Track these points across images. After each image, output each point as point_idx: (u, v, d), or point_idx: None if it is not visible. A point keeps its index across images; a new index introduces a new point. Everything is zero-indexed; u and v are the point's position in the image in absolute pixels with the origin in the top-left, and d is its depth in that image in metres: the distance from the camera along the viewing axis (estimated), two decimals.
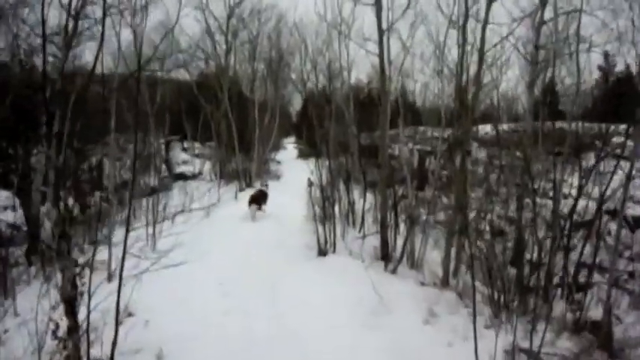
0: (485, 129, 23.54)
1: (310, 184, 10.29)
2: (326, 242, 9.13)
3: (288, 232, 10.48)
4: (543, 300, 6.78)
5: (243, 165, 18.88)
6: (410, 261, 9.15)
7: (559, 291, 7.31)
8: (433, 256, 9.87)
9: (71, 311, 4.19)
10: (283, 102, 26.46)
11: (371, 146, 19.59)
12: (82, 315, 4.41)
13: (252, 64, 20.85)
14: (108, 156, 15.24)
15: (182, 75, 20.84)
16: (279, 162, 28.02)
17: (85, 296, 4.39)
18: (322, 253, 8.99)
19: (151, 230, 9.39)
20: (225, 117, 18.78)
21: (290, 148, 35.77)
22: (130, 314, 5.73)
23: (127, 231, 4.61)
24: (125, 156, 14.84)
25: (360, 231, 11.02)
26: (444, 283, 8.32)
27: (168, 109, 19.89)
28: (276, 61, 21.55)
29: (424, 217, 10.05)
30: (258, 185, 18.59)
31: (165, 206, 11.42)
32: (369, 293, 6.86)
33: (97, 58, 5.34)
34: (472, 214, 9.02)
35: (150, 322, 5.78)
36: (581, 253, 7.45)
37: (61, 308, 4.35)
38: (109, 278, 7.00)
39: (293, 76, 23.57)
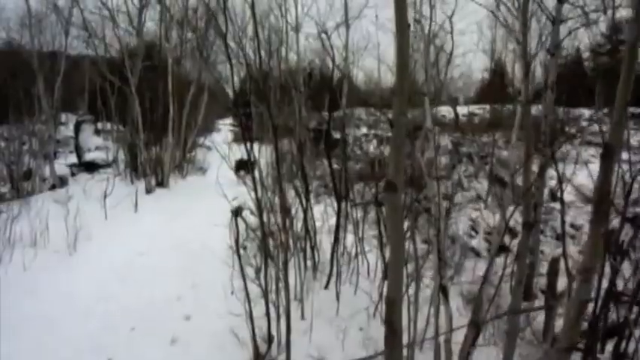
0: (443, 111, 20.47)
1: (237, 212, 5.22)
2: (270, 337, 4.52)
3: (198, 301, 5.58)
4: None
5: (151, 154, 13.55)
6: None
7: None
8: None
9: None
10: (219, 78, 20.82)
11: (320, 130, 16.03)
12: None
13: (179, 31, 15.33)
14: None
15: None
16: (209, 148, 22.71)
17: None
18: None
19: None
20: (136, 92, 13.21)
21: (225, 130, 30.61)
22: None
23: None
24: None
25: (327, 285, 6.53)
26: None
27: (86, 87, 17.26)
28: (205, 27, 16.07)
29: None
30: (174, 184, 13.65)
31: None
32: None
33: None
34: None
35: None
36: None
37: None
38: None
39: (231, 44, 18.19)
